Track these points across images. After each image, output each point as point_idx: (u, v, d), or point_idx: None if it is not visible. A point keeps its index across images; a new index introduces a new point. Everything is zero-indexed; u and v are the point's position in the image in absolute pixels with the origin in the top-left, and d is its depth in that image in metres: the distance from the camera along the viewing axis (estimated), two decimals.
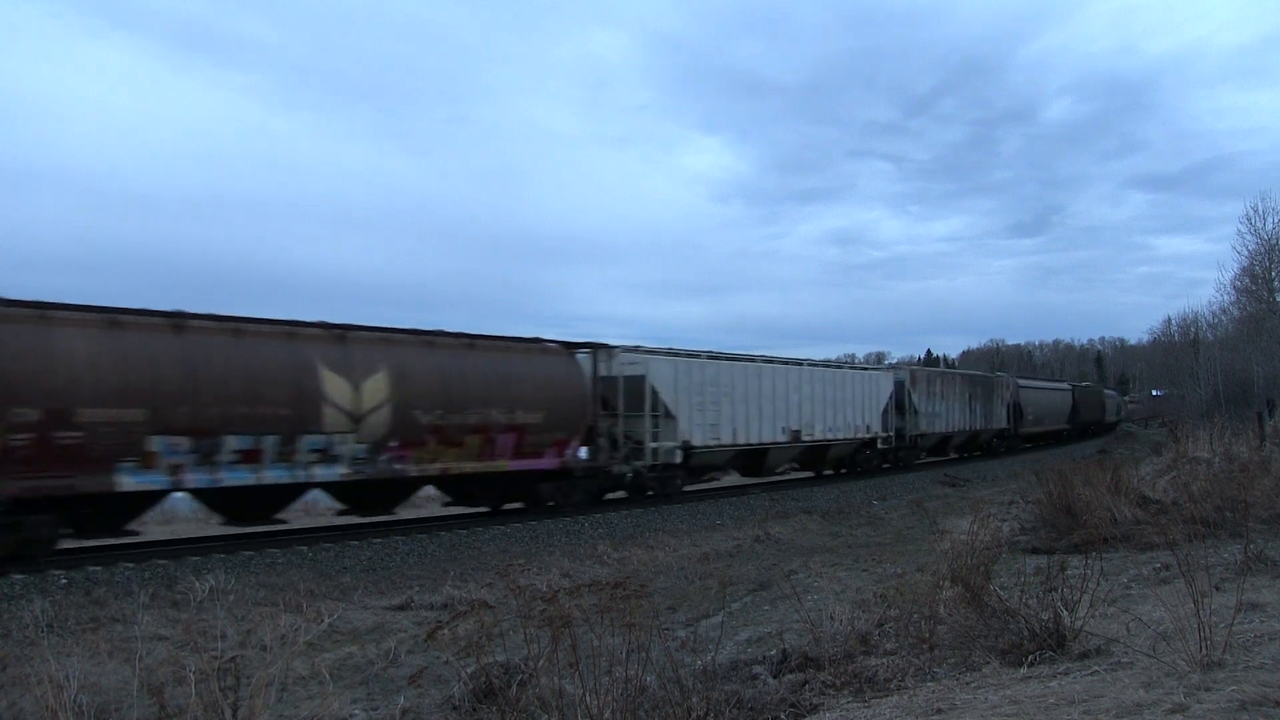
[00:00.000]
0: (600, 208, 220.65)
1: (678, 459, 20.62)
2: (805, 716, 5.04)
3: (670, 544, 16.27)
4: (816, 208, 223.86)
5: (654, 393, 20.05)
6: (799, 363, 25.93)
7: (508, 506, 18.59)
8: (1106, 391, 74.77)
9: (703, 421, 21.31)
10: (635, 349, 20.37)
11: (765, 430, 23.52)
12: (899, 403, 30.42)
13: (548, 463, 17.71)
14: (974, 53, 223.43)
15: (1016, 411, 41.89)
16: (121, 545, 13.81)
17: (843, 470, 28.93)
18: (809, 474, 28.23)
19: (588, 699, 4.26)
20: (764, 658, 6.56)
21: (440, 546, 15.04)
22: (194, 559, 12.68)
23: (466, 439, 16.12)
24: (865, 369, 29.81)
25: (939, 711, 4.49)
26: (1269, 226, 40.63)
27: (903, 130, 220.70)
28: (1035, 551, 11.02)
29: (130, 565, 12.13)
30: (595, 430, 18.87)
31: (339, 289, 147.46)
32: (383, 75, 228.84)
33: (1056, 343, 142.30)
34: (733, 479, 26.01)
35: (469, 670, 5.74)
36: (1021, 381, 45.29)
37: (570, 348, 19.01)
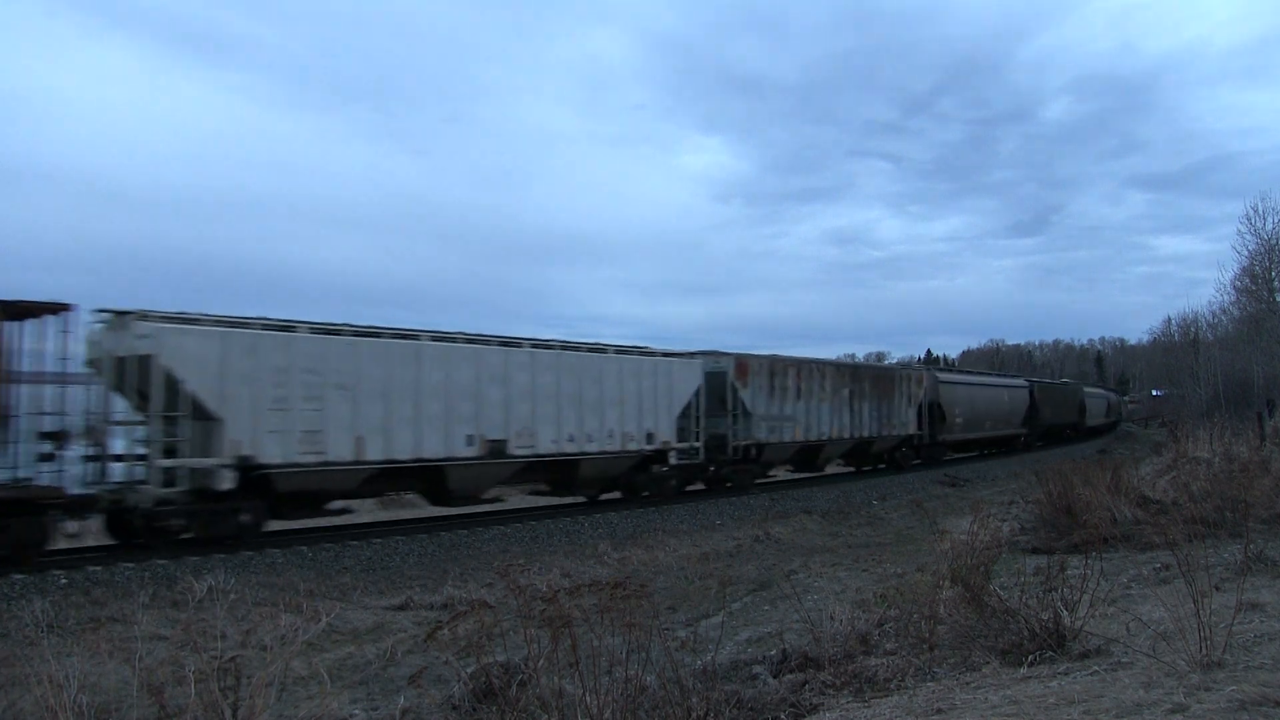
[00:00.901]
0: (600, 208, 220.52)
1: (227, 484, 13.52)
2: (805, 716, 5.04)
3: (670, 544, 16.29)
4: (816, 207, 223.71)
5: (171, 380, 13.06)
6: (515, 343, 18.26)
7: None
8: (1089, 390, 65.38)
9: (286, 426, 14.16)
10: (146, 315, 13.33)
11: (433, 440, 16.13)
12: (721, 402, 23.20)
13: None
14: (973, 52, 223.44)
15: (935, 413, 34.61)
16: (121, 545, 13.82)
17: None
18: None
19: (588, 699, 4.26)
20: (764, 658, 6.56)
21: (440, 546, 15.06)
22: (194, 559, 12.68)
23: None
24: (647, 354, 21.30)
25: (939, 711, 4.49)
26: (1269, 226, 40.63)
27: (902, 130, 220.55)
28: (1035, 551, 11.02)
29: (130, 565, 12.15)
30: (85, 438, 13.13)
31: (338, 289, 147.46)
32: (382, 75, 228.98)
33: (1057, 343, 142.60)
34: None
35: (469, 670, 5.74)
36: (944, 376, 37.71)
37: (10, 309, 12.09)
